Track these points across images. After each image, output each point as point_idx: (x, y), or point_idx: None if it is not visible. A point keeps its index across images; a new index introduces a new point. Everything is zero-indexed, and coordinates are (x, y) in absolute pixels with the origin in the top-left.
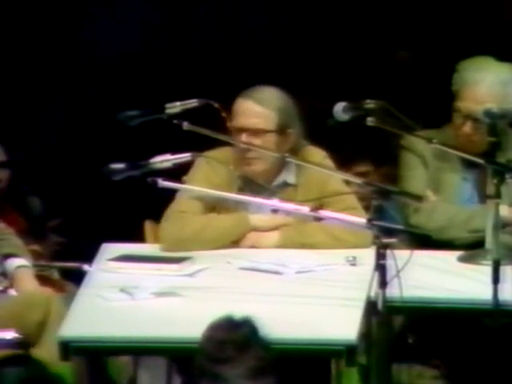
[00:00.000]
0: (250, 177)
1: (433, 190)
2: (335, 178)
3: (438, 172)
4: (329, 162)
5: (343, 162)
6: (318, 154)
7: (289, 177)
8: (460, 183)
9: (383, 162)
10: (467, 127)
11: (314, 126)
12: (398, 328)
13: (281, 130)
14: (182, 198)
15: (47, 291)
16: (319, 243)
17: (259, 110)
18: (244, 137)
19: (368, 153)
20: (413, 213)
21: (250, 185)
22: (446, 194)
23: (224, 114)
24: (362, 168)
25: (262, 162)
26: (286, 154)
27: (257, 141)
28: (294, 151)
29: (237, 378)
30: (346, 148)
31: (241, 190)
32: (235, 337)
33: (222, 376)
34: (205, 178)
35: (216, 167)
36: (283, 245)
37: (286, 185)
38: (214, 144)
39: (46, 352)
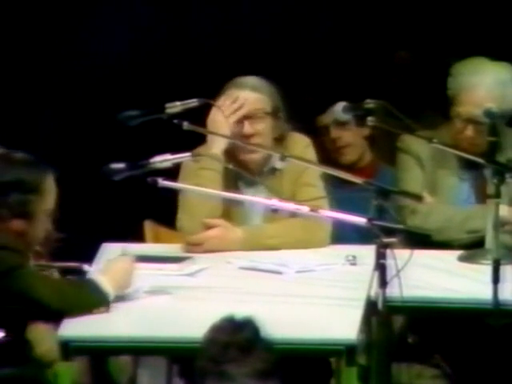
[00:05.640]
0: (244, 167)
1: (430, 191)
2: (312, 169)
3: (435, 173)
4: (311, 151)
5: None
6: (301, 141)
7: (277, 162)
8: (457, 184)
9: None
10: (469, 131)
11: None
12: (398, 328)
13: (274, 113)
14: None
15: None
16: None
17: (257, 95)
18: (246, 125)
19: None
20: (409, 214)
21: (242, 176)
22: (443, 195)
23: None
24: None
25: (263, 148)
26: (287, 154)
27: (259, 126)
28: (281, 137)
29: (243, 377)
30: None
31: (234, 182)
32: (238, 339)
33: (228, 374)
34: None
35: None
36: (245, 248)
37: (274, 170)
38: None
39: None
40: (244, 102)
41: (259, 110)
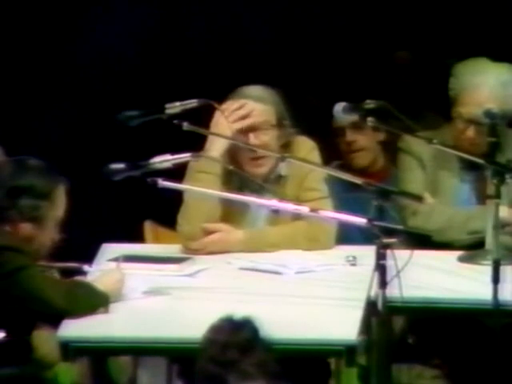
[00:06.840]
0: (252, 176)
1: (431, 192)
2: (315, 173)
3: (436, 174)
4: (316, 154)
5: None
6: (306, 144)
7: (282, 169)
8: (458, 185)
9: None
10: (471, 132)
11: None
12: (398, 329)
13: (279, 123)
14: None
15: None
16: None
17: (262, 107)
18: (252, 137)
19: None
20: (410, 215)
21: (247, 182)
22: (444, 195)
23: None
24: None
25: (270, 161)
26: (287, 155)
27: (265, 138)
28: (287, 143)
29: (245, 380)
30: None
31: (239, 189)
32: (238, 339)
33: (250, 373)
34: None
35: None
36: (246, 250)
37: (279, 178)
38: None
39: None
40: (250, 111)
41: (264, 123)
